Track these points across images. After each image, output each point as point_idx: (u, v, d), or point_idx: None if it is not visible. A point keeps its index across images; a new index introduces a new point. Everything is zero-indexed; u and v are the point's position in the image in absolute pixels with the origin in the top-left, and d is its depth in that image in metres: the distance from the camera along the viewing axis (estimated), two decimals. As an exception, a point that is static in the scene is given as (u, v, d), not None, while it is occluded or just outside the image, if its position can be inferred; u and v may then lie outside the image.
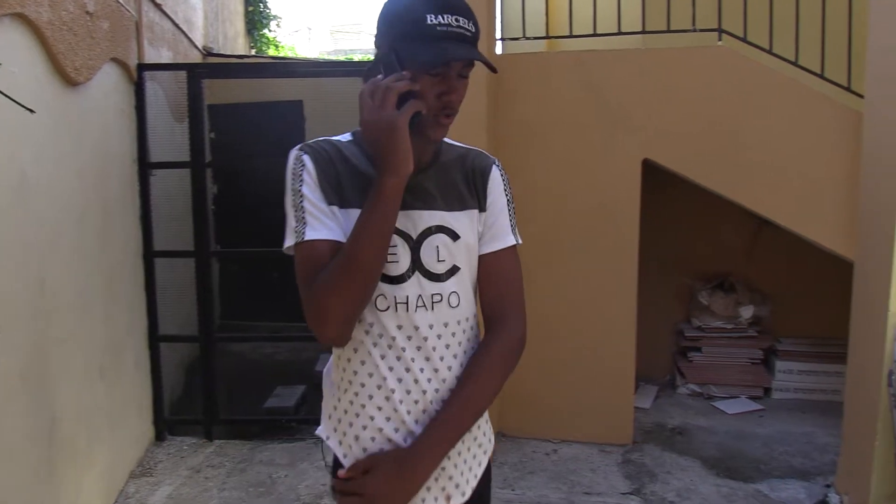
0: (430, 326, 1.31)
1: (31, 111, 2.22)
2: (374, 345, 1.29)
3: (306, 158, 1.28)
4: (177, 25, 4.93)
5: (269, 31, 8.97)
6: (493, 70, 1.24)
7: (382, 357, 1.29)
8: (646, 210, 3.75)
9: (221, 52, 6.44)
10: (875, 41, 3.02)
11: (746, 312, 4.52)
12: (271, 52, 9.00)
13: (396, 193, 1.19)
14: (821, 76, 3.50)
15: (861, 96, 3.25)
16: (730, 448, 3.84)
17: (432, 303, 1.31)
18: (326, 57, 13.19)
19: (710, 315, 4.58)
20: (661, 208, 4.39)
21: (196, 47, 5.61)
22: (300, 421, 4.22)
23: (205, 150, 3.96)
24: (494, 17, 3.70)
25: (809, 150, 3.50)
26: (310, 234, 1.24)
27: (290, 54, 10.14)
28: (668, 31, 3.62)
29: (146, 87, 3.86)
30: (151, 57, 4.17)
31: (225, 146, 5.56)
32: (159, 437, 4.03)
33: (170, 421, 4.14)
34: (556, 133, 3.74)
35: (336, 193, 1.27)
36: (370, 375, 1.30)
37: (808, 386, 4.49)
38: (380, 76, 1.20)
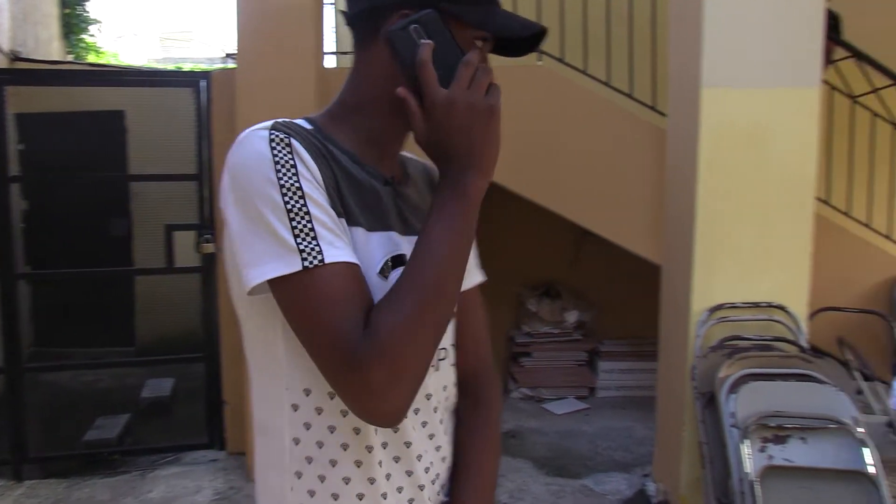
0: (435, 393, 1.00)
1: None
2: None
3: (296, 143, 0.86)
4: (-25, 26, 4.50)
5: (89, 35, 8.41)
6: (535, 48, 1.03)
7: (384, 445, 0.94)
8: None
9: (31, 56, 5.94)
10: (673, 64, 3.31)
11: (571, 317, 4.77)
12: (91, 58, 8.44)
13: (481, 201, 0.92)
14: (630, 96, 3.79)
15: (664, 114, 3.55)
16: (559, 447, 4.03)
17: (438, 360, 1.00)
18: (155, 65, 12.54)
19: (539, 321, 4.80)
20: (490, 220, 4.53)
21: (0, 51, 5.14)
22: (124, 452, 3.95)
23: (7, 162, 3.63)
24: (322, 30, 3.69)
25: (621, 164, 3.76)
26: (332, 255, 0.83)
27: (112, 61, 9.55)
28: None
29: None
30: (-57, 60, 3.78)
31: (37, 158, 5.12)
32: (-42, 481, 3.63)
33: (-30, 463, 3.74)
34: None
35: (339, 201, 0.89)
36: (358, 466, 0.92)
37: (628, 384, 4.81)
38: (423, 41, 0.89)
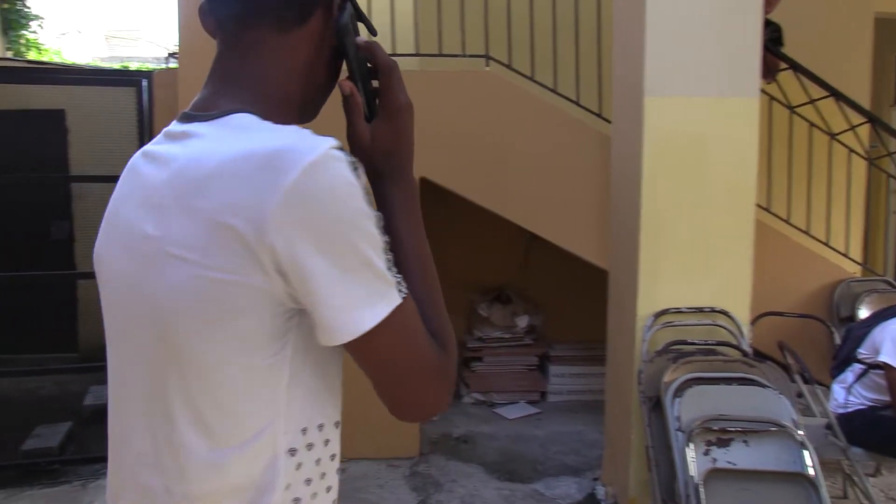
0: None
1: None
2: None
3: (362, 172, 0.79)
4: None
5: (30, 32, 8.16)
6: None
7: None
8: (426, 226, 3.84)
9: (-33, 53, 5.74)
10: (617, 73, 3.35)
11: (522, 322, 4.79)
12: (32, 55, 8.18)
13: None
14: (576, 103, 3.83)
15: (609, 121, 3.60)
16: (510, 452, 4.04)
17: None
18: (100, 64, 12.24)
19: (490, 326, 4.81)
20: (441, 225, 4.53)
21: (-68, 47, 4.96)
22: (65, 462, 3.84)
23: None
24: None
25: (568, 169, 3.79)
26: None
27: (55, 59, 9.28)
28: (440, 55, 3.78)
29: None
30: None
31: (-26, 158, 4.96)
32: None
33: None
34: (335, 150, 3.74)
35: None
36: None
37: (579, 388, 4.84)
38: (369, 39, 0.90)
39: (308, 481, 0.83)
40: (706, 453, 2.60)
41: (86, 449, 4.09)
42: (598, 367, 4.73)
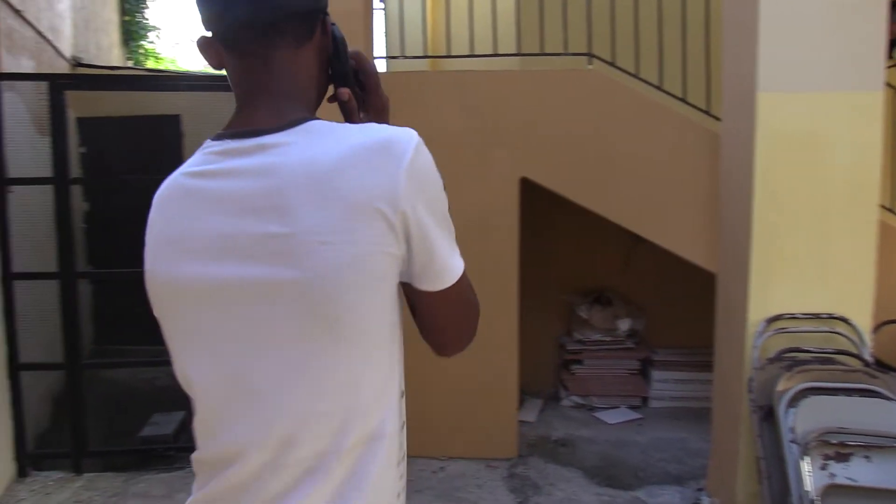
0: None
1: None
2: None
3: None
4: (40, 34, 4.66)
5: (148, 42, 8.65)
6: None
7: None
8: (525, 226, 3.83)
9: (93, 62, 6.13)
10: (727, 68, 3.22)
11: (623, 325, 4.69)
12: (150, 64, 8.67)
13: None
14: (683, 100, 3.71)
15: (718, 119, 3.46)
16: (610, 457, 3.96)
17: None
18: (210, 71, 12.83)
19: (590, 328, 4.73)
20: (540, 224, 4.50)
21: (63, 57, 5.32)
22: (179, 449, 4.03)
23: (69, 165, 3.74)
24: (372, 35, 3.70)
25: (674, 169, 3.68)
26: None
27: (171, 67, 9.80)
28: (542, 54, 3.74)
29: (3, 98, 3.62)
30: (10, 66, 3.92)
31: (98, 161, 5.28)
32: (22, 473, 3.75)
33: (34, 455, 3.87)
34: (435, 151, 3.70)
35: None
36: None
37: (682, 394, 4.70)
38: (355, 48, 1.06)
39: (403, 425, 1.01)
40: (823, 468, 2.46)
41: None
42: (704, 373, 4.59)
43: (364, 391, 0.92)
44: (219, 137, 0.95)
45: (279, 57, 0.96)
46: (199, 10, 0.97)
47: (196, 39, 1.00)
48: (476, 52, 3.89)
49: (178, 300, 0.95)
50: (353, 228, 0.86)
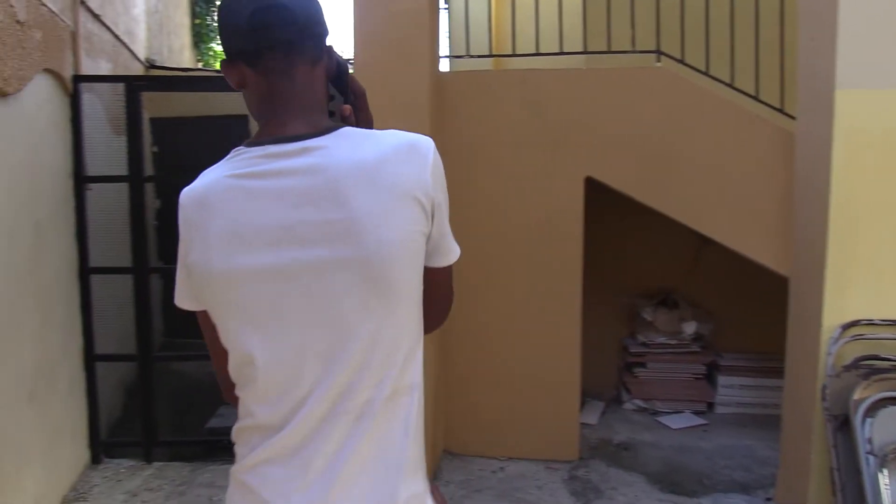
0: None
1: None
2: None
3: None
4: (117, 37, 4.82)
5: (217, 44, 8.86)
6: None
7: None
8: (590, 226, 3.79)
9: (165, 64, 6.32)
10: (804, 65, 3.11)
11: (689, 328, 4.59)
12: (218, 65, 8.88)
13: None
14: (755, 98, 3.60)
15: (793, 117, 3.35)
16: (674, 463, 3.88)
17: None
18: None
19: (654, 331, 4.64)
20: (605, 225, 4.44)
21: (138, 59, 5.50)
22: (244, 441, 4.12)
23: (143, 163, 3.87)
24: (438, 35, 3.71)
25: (746, 168, 3.58)
26: None
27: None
28: (609, 51, 3.69)
29: (83, 100, 3.76)
30: (89, 68, 4.07)
31: (169, 160, 5.45)
32: (96, 459, 3.90)
33: (107, 443, 4.02)
34: (499, 150, 3.76)
35: None
36: None
37: (749, 400, 4.58)
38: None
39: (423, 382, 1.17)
40: (903, 481, 2.36)
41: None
42: (773, 379, 4.47)
43: (402, 347, 1.10)
44: (256, 144, 1.11)
45: (300, 73, 1.13)
46: (226, 35, 1.13)
47: (221, 63, 1.16)
48: (541, 51, 3.86)
49: (239, 287, 1.08)
50: (398, 212, 1.06)
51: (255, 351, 1.08)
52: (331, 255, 1.05)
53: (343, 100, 1.22)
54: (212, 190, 1.11)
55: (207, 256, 1.09)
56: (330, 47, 1.19)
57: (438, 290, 1.20)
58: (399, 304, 1.09)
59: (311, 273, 1.06)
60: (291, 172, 1.07)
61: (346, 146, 1.08)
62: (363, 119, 1.24)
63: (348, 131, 1.11)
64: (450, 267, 1.19)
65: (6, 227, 2.94)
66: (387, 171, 1.06)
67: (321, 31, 1.16)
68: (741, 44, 3.60)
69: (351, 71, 1.33)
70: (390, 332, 1.08)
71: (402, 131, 1.12)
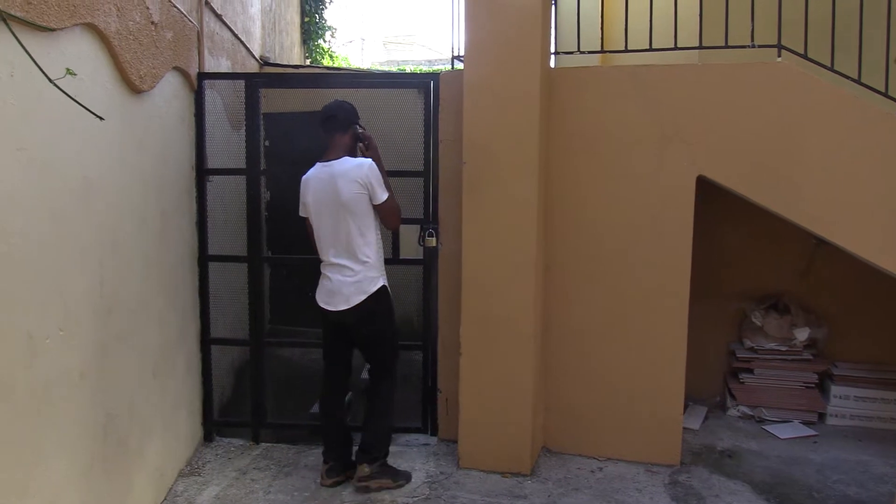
0: None
1: (101, 118, 2.30)
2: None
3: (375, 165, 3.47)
4: (236, 35, 5.04)
5: (324, 41, 9.10)
6: None
7: None
8: (698, 226, 3.69)
9: (277, 61, 6.55)
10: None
11: (801, 335, 4.40)
12: (325, 62, 9.13)
13: None
14: (885, 94, 3.40)
15: (927, 115, 3.16)
16: (782, 474, 3.74)
17: None
18: (379, 68, 13.33)
19: (764, 336, 4.47)
20: (713, 224, 4.31)
21: (253, 57, 5.73)
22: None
23: (260, 157, 4.03)
24: (549, 32, 3.69)
25: (871, 169, 3.40)
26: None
27: (343, 65, 10.28)
28: (726, 46, 3.57)
29: (205, 96, 3.96)
30: (210, 66, 4.28)
31: (277, 154, 5.64)
32: (208, 437, 4.11)
33: (218, 422, 4.22)
34: (608, 146, 3.71)
35: None
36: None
37: (866, 413, 4.35)
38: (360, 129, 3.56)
39: (384, 267, 3.54)
40: None
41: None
42: (892, 391, 4.23)
43: (356, 234, 3.37)
44: (320, 161, 3.46)
45: (335, 138, 3.47)
46: (320, 120, 3.48)
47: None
48: (654, 47, 3.77)
49: (311, 208, 3.45)
50: (354, 183, 3.33)
51: (317, 231, 3.45)
52: (332, 201, 3.35)
53: (362, 145, 3.50)
54: (309, 176, 3.47)
55: (307, 199, 3.45)
56: (354, 125, 3.49)
57: (383, 212, 3.40)
58: (355, 219, 3.34)
59: (328, 207, 3.37)
60: (326, 170, 3.40)
61: (340, 165, 3.37)
62: (372, 156, 3.45)
63: (346, 159, 3.40)
64: (382, 203, 3.36)
65: (139, 215, 3.14)
66: (351, 173, 3.33)
67: (349, 119, 3.47)
68: (870, 36, 3.42)
69: (361, 131, 3.52)
70: (353, 228, 3.35)
71: (364, 158, 3.42)
